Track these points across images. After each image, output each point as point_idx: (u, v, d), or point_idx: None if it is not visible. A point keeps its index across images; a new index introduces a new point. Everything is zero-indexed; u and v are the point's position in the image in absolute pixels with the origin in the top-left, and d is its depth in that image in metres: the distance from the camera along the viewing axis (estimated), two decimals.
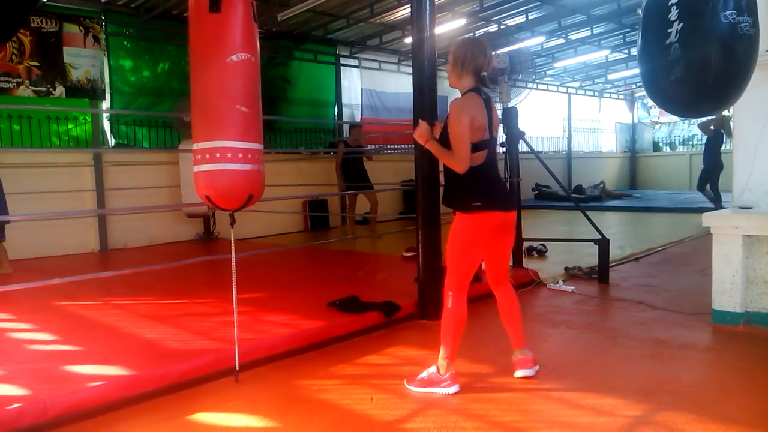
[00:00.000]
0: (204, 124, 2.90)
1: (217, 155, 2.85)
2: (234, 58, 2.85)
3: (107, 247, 8.09)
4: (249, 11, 2.91)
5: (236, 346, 3.04)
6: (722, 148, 10.38)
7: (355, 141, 8.79)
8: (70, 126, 7.98)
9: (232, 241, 3.14)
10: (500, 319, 3.04)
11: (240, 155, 2.88)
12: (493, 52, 5.58)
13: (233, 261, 3.11)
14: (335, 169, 8.30)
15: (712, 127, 10.36)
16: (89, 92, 8.00)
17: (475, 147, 2.74)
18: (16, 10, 2.81)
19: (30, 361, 3.18)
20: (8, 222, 5.78)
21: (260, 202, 3.21)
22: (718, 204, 9.90)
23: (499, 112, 5.59)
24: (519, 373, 2.97)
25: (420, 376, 2.92)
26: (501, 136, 5.28)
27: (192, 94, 2.95)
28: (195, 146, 2.93)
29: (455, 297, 2.88)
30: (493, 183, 2.86)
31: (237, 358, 3.04)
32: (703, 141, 11.09)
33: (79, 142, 8.07)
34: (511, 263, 5.24)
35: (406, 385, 2.92)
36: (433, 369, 2.91)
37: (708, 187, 10.38)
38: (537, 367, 3.01)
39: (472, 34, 10.78)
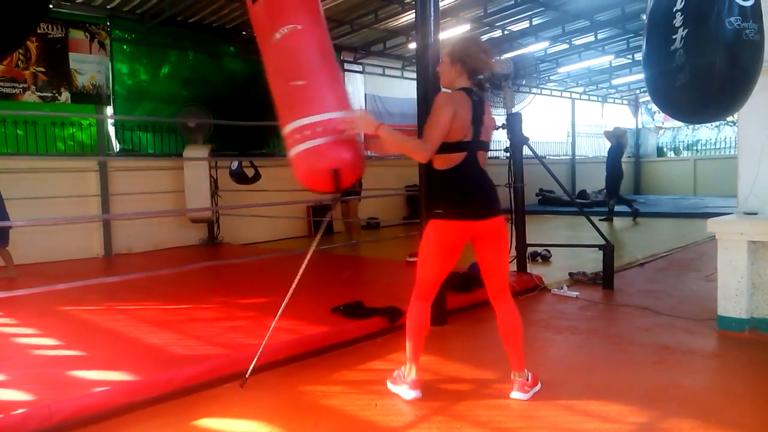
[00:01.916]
0: (278, 110, 2.81)
1: (297, 136, 2.71)
2: (277, 35, 2.75)
3: (112, 252, 8.11)
4: None
5: (262, 350, 3.03)
6: (623, 158, 11.32)
7: None
8: (75, 131, 8.02)
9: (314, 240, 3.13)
10: (499, 337, 2.86)
11: (307, 132, 2.68)
12: (498, 58, 5.61)
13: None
14: None
15: (615, 137, 11.14)
16: (95, 98, 8.04)
17: (453, 147, 2.61)
18: (25, 19, 2.83)
19: (35, 366, 3.19)
20: (10, 227, 5.80)
21: (264, 207, 3.22)
22: (611, 213, 10.86)
23: (503, 118, 5.60)
24: (515, 395, 2.79)
25: (394, 373, 2.96)
26: (501, 142, 5.27)
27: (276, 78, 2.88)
28: (295, 123, 2.77)
29: (414, 303, 2.84)
30: (467, 189, 2.67)
31: (254, 361, 3.04)
32: (707, 147, 11.25)
33: (84, 147, 8.11)
34: (513, 269, 5.25)
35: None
36: (401, 369, 2.93)
37: (609, 192, 10.95)
38: (536, 389, 2.83)
39: None
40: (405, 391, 2.84)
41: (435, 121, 2.58)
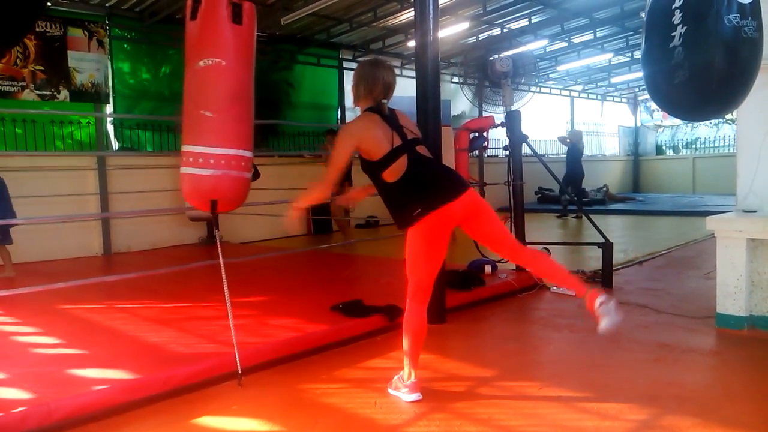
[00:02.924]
0: (183, 128, 3.06)
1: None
2: (201, 63, 2.92)
3: (111, 251, 8.11)
4: (226, 16, 2.92)
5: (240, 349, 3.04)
6: (582, 158, 11.69)
7: (331, 146, 8.62)
8: (74, 129, 8.01)
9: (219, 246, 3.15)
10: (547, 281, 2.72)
11: (200, 160, 2.97)
12: (497, 56, 5.61)
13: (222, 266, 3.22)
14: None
15: (568, 140, 11.67)
16: (93, 96, 8.03)
17: (390, 158, 2.66)
18: (23, 16, 2.83)
19: (34, 364, 3.18)
20: (13, 225, 5.79)
21: (264, 206, 3.25)
22: (575, 206, 10.97)
23: (502, 116, 5.60)
24: (602, 317, 2.44)
25: (393, 379, 2.92)
26: (500, 140, 5.25)
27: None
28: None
29: (411, 306, 2.81)
30: (427, 181, 2.69)
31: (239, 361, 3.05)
32: (706, 145, 11.36)
33: (82, 145, 8.10)
34: (512, 267, 5.24)
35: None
36: (400, 374, 2.89)
37: (570, 189, 10.99)
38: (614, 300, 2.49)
39: (475, 37, 10.81)
40: (405, 395, 2.80)
41: (332, 161, 2.74)
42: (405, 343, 2.80)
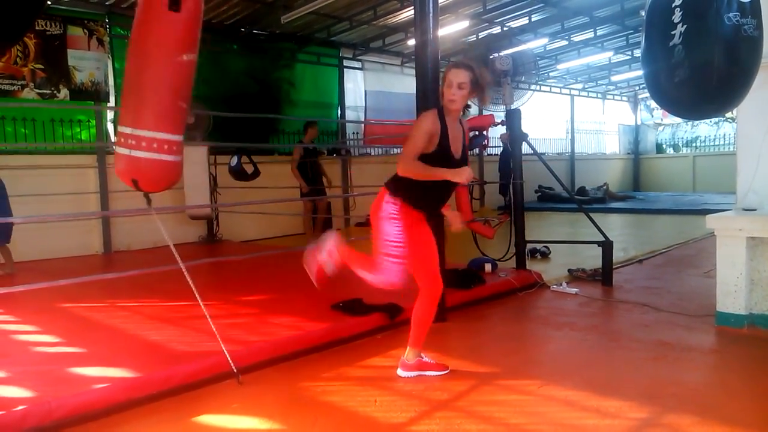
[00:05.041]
0: (141, 112, 3.02)
1: (155, 145, 3.03)
2: (185, 57, 2.99)
3: (111, 249, 8.10)
4: (201, 12, 3.05)
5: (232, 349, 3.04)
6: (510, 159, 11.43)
7: (311, 141, 8.54)
8: (74, 129, 8.01)
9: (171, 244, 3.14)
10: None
11: (175, 148, 3.11)
12: (497, 54, 5.61)
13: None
14: (291, 170, 7.70)
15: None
16: (93, 95, 8.02)
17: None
18: (22, 14, 2.83)
19: (35, 363, 3.19)
20: (12, 224, 5.79)
21: (263, 204, 3.26)
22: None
23: (502, 114, 5.61)
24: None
25: (409, 362, 3.11)
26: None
27: (132, 82, 3.05)
28: (125, 129, 3.05)
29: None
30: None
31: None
32: (706, 143, 11.20)
33: (83, 144, 8.09)
34: (513, 265, 5.25)
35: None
36: (417, 357, 3.11)
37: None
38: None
39: (475, 36, 10.80)
40: (439, 371, 3.07)
41: None
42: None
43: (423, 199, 2.91)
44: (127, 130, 3.03)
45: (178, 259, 3.32)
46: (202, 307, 3.19)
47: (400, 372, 3.08)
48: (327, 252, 3.02)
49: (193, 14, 2.98)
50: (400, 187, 2.86)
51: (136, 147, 3.01)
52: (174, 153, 3.12)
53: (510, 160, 5.48)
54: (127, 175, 3.13)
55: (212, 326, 3.12)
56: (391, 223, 2.85)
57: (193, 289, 3.21)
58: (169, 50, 2.98)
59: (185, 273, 3.27)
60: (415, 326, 3.07)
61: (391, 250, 2.84)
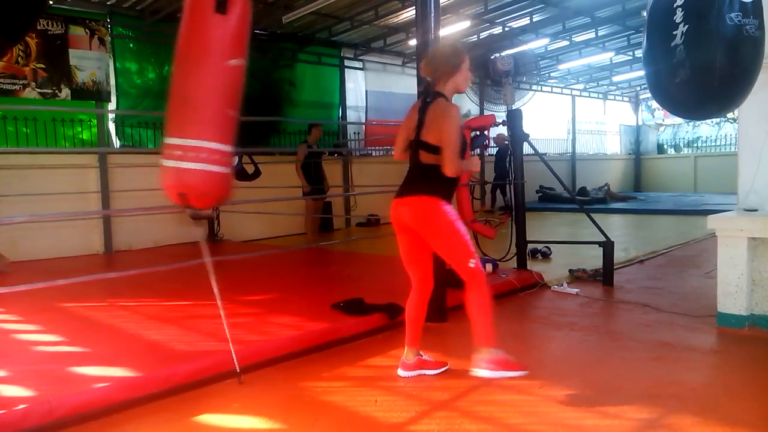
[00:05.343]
0: (186, 120, 2.84)
1: (203, 155, 2.80)
2: (233, 62, 2.86)
3: (112, 249, 8.11)
4: (249, 15, 2.90)
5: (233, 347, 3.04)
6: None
7: (315, 142, 8.65)
8: (75, 128, 8.02)
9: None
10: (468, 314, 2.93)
11: (224, 158, 2.89)
12: (498, 55, 5.61)
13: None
14: (296, 170, 7.99)
15: (506, 141, 11.35)
16: (95, 94, 8.03)
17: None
18: (24, 13, 2.83)
19: (36, 362, 3.19)
20: None
21: (264, 203, 3.24)
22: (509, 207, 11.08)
23: (503, 114, 5.60)
24: (477, 365, 2.91)
25: (490, 357, 2.90)
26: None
27: (177, 90, 2.87)
28: (171, 140, 2.84)
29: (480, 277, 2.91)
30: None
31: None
32: (708, 143, 11.21)
33: (84, 144, 8.10)
34: (513, 265, 5.23)
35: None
36: (497, 353, 2.91)
37: (500, 191, 11.24)
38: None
39: (476, 36, 10.80)
40: (438, 369, 3.09)
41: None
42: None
43: (450, 196, 2.95)
44: (173, 141, 2.84)
45: (206, 255, 3.30)
46: (219, 304, 3.16)
47: (401, 372, 3.08)
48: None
49: (241, 17, 2.82)
50: (441, 188, 2.88)
51: (183, 158, 2.80)
52: (223, 164, 2.89)
53: (506, 160, 5.47)
54: (174, 190, 2.87)
55: (224, 324, 3.09)
56: (459, 221, 2.88)
57: (214, 286, 3.17)
58: (215, 55, 2.82)
59: (210, 270, 3.25)
60: (477, 322, 2.87)
61: (470, 247, 2.87)
